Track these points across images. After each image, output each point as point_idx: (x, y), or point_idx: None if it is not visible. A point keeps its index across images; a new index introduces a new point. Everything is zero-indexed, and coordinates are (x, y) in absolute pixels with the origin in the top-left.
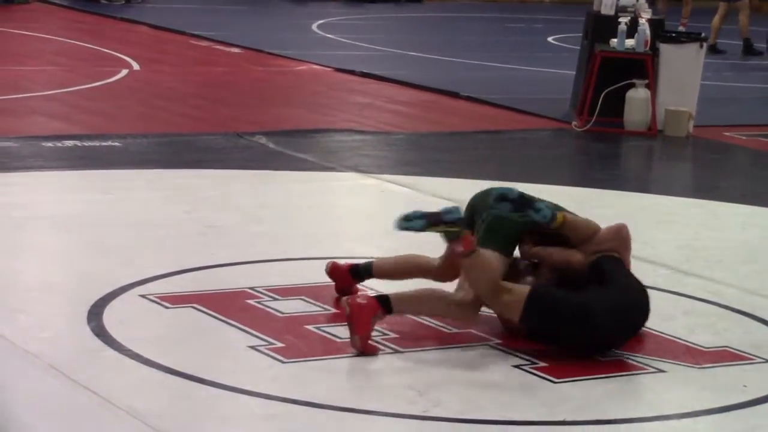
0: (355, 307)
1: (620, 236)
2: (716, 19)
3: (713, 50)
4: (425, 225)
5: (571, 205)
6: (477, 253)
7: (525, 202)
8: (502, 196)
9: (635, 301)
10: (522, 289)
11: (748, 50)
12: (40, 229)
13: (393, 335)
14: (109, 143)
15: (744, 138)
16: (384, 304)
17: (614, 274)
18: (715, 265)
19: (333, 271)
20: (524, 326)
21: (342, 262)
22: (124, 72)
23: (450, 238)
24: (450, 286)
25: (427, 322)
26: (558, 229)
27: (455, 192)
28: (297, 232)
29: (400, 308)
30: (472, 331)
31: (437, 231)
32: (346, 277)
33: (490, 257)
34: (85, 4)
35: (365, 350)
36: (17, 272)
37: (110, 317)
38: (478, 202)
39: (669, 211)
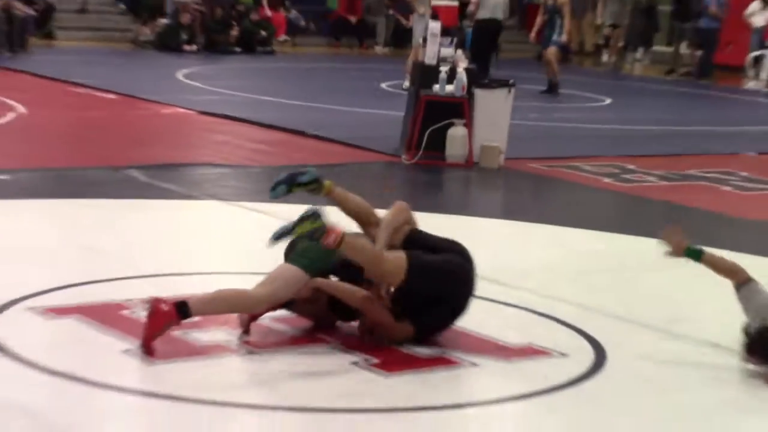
0: (155, 311)
1: (402, 210)
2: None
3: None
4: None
5: None
6: (345, 240)
7: (293, 175)
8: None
9: (464, 249)
10: (400, 255)
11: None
12: None
13: (248, 338)
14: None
15: (546, 168)
16: (182, 310)
17: (430, 239)
18: (521, 275)
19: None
20: (406, 290)
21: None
22: (12, 115)
23: (318, 235)
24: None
25: (276, 327)
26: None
27: None
28: (165, 251)
29: (200, 311)
30: (318, 335)
31: (301, 227)
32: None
33: (356, 238)
34: None
35: (146, 351)
36: None
37: (1, 327)
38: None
39: (483, 230)
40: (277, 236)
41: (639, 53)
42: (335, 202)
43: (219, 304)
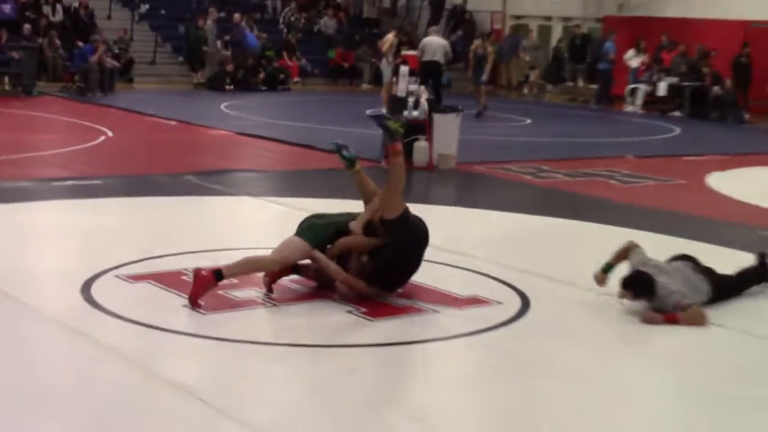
0: (197, 277)
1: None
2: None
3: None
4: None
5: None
6: (399, 155)
7: (342, 146)
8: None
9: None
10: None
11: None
12: (50, 235)
13: (272, 295)
14: (94, 182)
15: (486, 169)
16: (217, 275)
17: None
18: (469, 246)
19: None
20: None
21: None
22: (103, 138)
23: (396, 135)
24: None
25: (292, 286)
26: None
27: (314, 206)
28: (212, 232)
29: (231, 274)
30: (323, 292)
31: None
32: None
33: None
34: (76, 96)
35: (194, 306)
36: (34, 262)
37: (95, 290)
38: (303, 222)
39: (441, 214)
40: (379, 119)
41: (556, 89)
42: (358, 180)
43: (245, 267)
